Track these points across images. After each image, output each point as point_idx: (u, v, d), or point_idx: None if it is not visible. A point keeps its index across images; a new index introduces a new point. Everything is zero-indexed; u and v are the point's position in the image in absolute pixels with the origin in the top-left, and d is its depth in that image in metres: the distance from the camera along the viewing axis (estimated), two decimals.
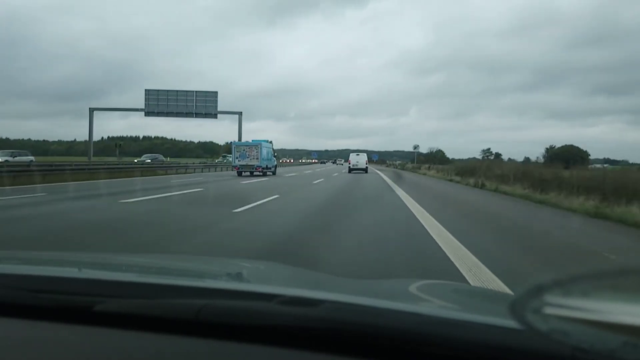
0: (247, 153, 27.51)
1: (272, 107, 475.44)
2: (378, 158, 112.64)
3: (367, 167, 39.36)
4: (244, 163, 27.31)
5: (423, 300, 1.16)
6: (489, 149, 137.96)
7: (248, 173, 27.18)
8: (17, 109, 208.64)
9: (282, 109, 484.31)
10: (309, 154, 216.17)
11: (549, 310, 0.56)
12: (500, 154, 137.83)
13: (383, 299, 1.05)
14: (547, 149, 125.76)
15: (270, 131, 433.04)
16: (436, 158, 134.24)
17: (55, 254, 2.65)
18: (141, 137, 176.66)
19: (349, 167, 38.80)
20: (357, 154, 40.34)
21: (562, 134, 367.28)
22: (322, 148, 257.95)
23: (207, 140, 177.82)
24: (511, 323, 0.64)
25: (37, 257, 1.68)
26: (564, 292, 0.56)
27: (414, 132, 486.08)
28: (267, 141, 29.36)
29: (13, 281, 1.03)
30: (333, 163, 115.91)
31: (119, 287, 1.02)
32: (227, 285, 1.16)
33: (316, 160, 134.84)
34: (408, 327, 0.80)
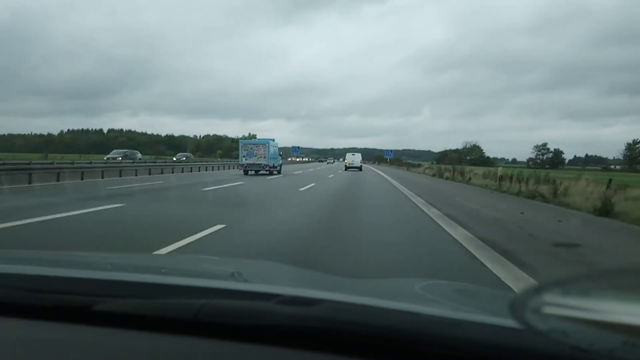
0: (254, 152, 27.07)
1: (284, 106, 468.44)
2: (393, 156, 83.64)
3: (361, 165, 43.38)
4: (251, 162, 26.95)
5: (422, 300, 1.17)
6: (545, 144, 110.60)
7: (253, 172, 26.82)
8: (27, 107, 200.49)
9: (294, 108, 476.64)
10: (313, 153, 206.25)
11: (548, 310, 0.55)
12: (561, 152, 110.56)
13: (383, 298, 1.04)
14: (629, 144, 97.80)
15: (280, 130, 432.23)
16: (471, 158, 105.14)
17: (54, 253, 2.72)
18: (106, 130, 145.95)
19: (345, 165, 43.46)
20: (353, 154, 43.97)
21: (577, 134, 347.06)
22: (329, 147, 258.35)
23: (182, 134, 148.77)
24: (510, 322, 0.64)
25: (36, 257, 1.70)
26: (563, 291, 0.56)
27: (426, 131, 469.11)
28: (273, 140, 28.73)
29: (13, 281, 1.03)
30: (326, 162, 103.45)
31: (117, 286, 1.02)
32: (226, 285, 1.14)
33: (298, 158, 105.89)
34: (408, 327, 0.80)
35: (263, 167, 26.71)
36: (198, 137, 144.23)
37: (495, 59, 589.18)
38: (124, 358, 0.81)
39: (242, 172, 27.24)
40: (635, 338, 0.52)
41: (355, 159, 42.31)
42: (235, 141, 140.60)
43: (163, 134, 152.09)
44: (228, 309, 0.89)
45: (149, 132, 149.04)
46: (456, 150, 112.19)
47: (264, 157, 26.83)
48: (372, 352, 0.79)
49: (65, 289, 0.98)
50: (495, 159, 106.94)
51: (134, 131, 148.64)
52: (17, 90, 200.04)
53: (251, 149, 27.18)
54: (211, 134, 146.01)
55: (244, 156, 27.10)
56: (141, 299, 0.94)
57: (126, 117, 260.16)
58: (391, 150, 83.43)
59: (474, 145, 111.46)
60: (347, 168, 41.29)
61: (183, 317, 0.87)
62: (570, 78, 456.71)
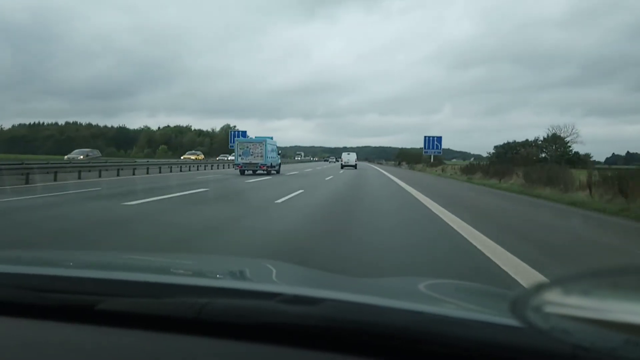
0: (250, 150, 25.91)
1: (302, 105, 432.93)
2: (441, 152, 45.41)
3: (356, 164, 46.68)
4: (247, 161, 25.72)
5: (424, 299, 1.15)
6: None
7: (251, 172, 25.75)
8: (46, 107, 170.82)
9: (312, 107, 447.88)
10: (324, 152, 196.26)
11: (549, 309, 0.55)
12: None
13: (384, 297, 1.04)
14: None
15: (297, 129, 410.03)
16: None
17: (57, 252, 2.77)
18: (46, 123, 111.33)
19: (342, 164, 47.22)
20: (348, 154, 48.99)
21: (601, 132, 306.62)
22: (341, 145, 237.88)
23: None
24: (512, 321, 0.65)
25: (39, 256, 1.70)
26: (564, 290, 0.56)
27: (446, 129, 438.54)
28: (271, 138, 27.76)
29: (16, 280, 1.03)
30: (328, 161, 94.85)
31: (120, 286, 1.02)
32: (229, 284, 1.14)
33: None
34: (409, 326, 0.80)
35: (260, 167, 25.44)
36: (154, 130, 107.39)
37: (522, 54, 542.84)
38: (126, 357, 0.82)
39: (238, 172, 25.98)
40: (637, 337, 0.51)
41: (351, 157, 47.45)
42: (203, 134, 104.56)
43: (116, 126, 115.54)
44: (230, 307, 0.89)
45: (101, 125, 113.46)
46: (527, 143, 71.78)
47: (261, 156, 25.56)
48: (374, 351, 0.79)
49: (68, 289, 0.98)
50: (587, 155, 66.02)
51: (70, 123, 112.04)
52: (34, 91, 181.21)
53: (247, 147, 25.82)
54: (172, 125, 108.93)
55: (240, 155, 25.82)
56: (144, 298, 0.93)
57: (144, 118, 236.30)
58: (439, 139, 45.31)
59: (554, 136, 70.33)
60: (343, 166, 45.13)
61: (185, 316, 0.87)
62: (598, 73, 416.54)
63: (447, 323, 0.80)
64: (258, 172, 25.23)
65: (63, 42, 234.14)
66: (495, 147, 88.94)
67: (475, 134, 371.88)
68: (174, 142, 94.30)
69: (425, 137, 44.28)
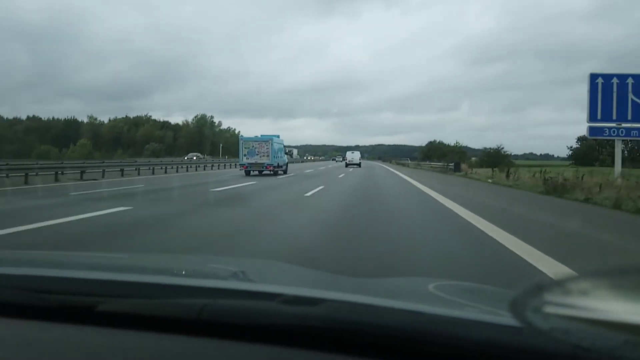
0: (256, 150, 24.72)
1: (317, 103, 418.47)
2: None
3: (360, 162, 49.43)
4: (252, 161, 24.70)
5: (424, 299, 1.16)
6: None
7: (257, 172, 24.88)
8: (63, 109, 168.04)
9: (327, 105, 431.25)
10: (335, 150, 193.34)
11: (549, 309, 0.55)
12: None
13: (385, 297, 1.04)
14: None
15: (312, 128, 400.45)
16: None
17: (58, 254, 2.74)
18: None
19: (346, 162, 50.06)
20: (352, 152, 52.52)
21: None
22: (354, 144, 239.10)
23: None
24: (512, 322, 0.65)
25: (40, 258, 1.71)
26: (563, 291, 0.56)
27: (462, 128, 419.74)
28: (277, 136, 26.92)
29: (16, 282, 1.04)
30: (333, 160, 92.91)
31: (121, 287, 1.02)
32: (229, 285, 1.15)
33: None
34: (409, 326, 0.80)
35: (266, 167, 24.50)
36: (103, 122, 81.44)
37: (543, 49, 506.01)
38: (127, 358, 0.82)
39: (243, 172, 25.19)
40: (636, 337, 0.52)
41: (355, 156, 50.43)
42: (166, 127, 79.19)
43: (63, 118, 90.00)
44: (231, 308, 0.89)
45: (46, 118, 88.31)
46: None
47: (267, 156, 24.55)
48: (374, 352, 0.79)
49: (69, 290, 0.98)
50: None
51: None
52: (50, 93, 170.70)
53: (252, 146, 24.72)
54: (132, 117, 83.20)
55: (245, 155, 24.78)
56: (144, 299, 0.94)
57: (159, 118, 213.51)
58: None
59: None
60: (347, 165, 47.65)
61: (186, 317, 0.87)
62: (622, 68, 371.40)
63: (448, 323, 0.80)
64: (264, 172, 24.35)
65: (77, 43, 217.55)
66: (579, 139, 59.94)
67: (493, 132, 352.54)
68: (125, 136, 69.21)
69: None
